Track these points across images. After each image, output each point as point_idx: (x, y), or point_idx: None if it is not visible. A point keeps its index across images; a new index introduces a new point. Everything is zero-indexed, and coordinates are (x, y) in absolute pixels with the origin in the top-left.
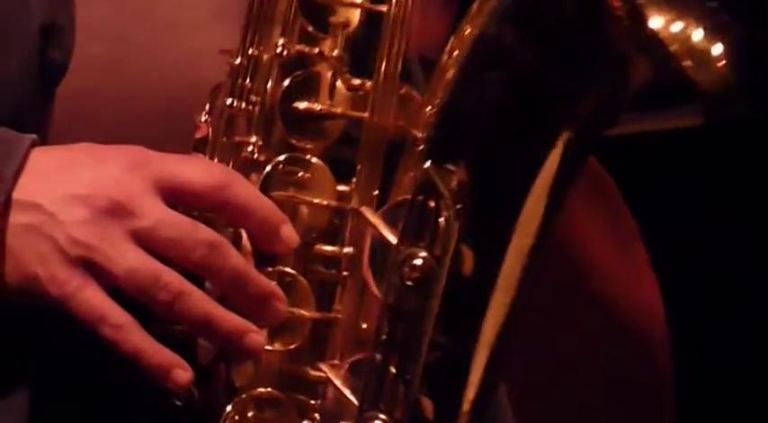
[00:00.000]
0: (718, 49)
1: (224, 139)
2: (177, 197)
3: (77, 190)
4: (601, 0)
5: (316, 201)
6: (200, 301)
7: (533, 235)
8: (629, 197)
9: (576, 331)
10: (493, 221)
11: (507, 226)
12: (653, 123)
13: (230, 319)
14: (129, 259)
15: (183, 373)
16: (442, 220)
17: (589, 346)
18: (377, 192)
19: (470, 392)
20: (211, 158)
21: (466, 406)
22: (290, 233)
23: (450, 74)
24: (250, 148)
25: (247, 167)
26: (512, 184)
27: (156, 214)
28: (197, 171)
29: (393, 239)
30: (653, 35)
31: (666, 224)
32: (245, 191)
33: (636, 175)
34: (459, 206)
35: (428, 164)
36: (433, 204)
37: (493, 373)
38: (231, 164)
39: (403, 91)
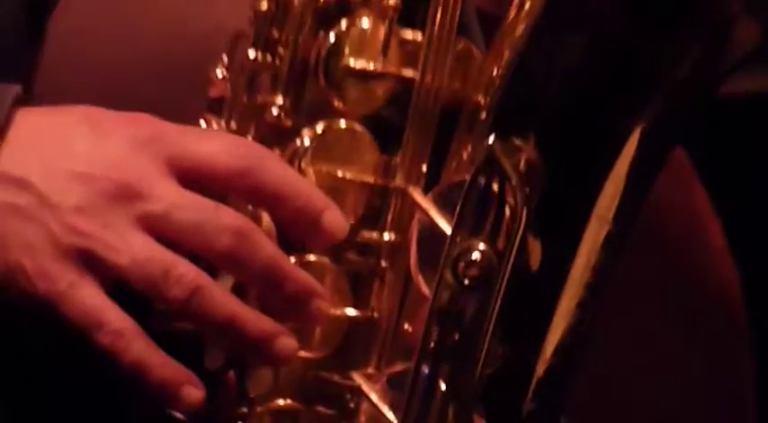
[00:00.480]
0: None
1: (244, 99)
2: (195, 180)
3: (76, 166)
4: None
5: (353, 177)
6: (222, 298)
7: (610, 223)
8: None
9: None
10: (566, 208)
11: (582, 214)
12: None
13: (258, 320)
14: (135, 248)
15: (195, 392)
16: (506, 206)
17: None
18: (425, 168)
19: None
20: (228, 122)
21: None
22: (335, 222)
23: (521, 30)
24: (275, 111)
25: (272, 133)
26: (589, 165)
27: (170, 196)
28: (220, 149)
29: (447, 228)
30: None
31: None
32: (278, 173)
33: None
34: (528, 190)
35: (492, 138)
36: (496, 188)
37: (557, 391)
38: (253, 129)
39: (460, 47)
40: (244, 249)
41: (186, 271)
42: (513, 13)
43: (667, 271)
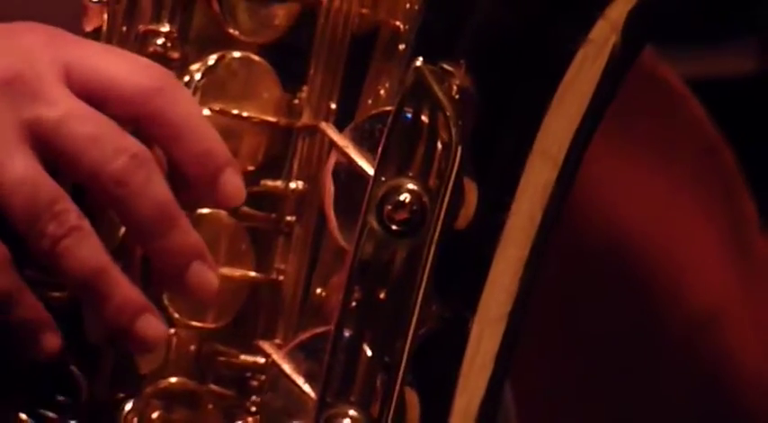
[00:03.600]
0: None
1: (124, 28)
2: (92, 95)
3: None
4: None
5: (251, 116)
6: (95, 249)
7: (558, 162)
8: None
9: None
10: (502, 142)
11: (521, 149)
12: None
13: (128, 289)
14: (18, 167)
15: (53, 339)
16: (438, 139)
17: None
18: (335, 105)
19: (467, 391)
20: None
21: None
22: (233, 184)
23: None
24: (161, 41)
25: None
26: (529, 92)
27: (67, 103)
28: (128, 66)
29: (368, 167)
30: None
31: None
32: (187, 108)
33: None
34: (461, 121)
35: (420, 61)
36: (426, 118)
37: (500, 364)
38: None
39: None
40: (138, 178)
41: (69, 208)
42: None
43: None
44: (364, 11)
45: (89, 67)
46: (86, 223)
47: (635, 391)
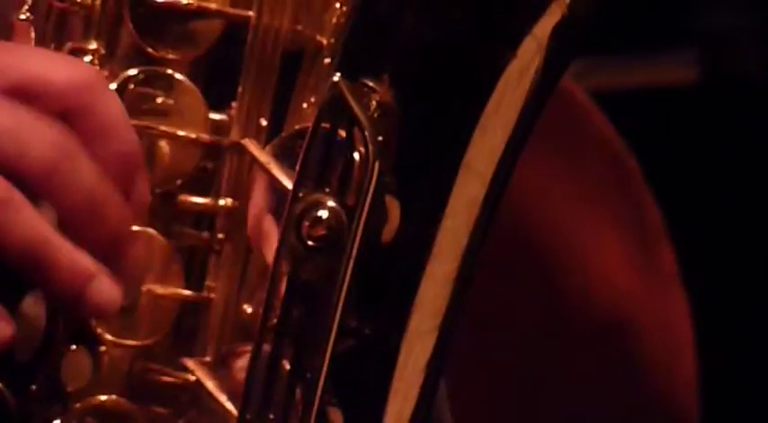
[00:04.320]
0: None
1: (52, 45)
2: (22, 91)
3: None
4: None
5: (181, 133)
6: (33, 219)
7: (486, 179)
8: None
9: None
10: (428, 159)
11: (449, 165)
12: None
13: (72, 253)
14: None
15: (5, 327)
16: (356, 156)
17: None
18: (265, 122)
19: (396, 401)
20: None
21: (390, 420)
22: (142, 190)
23: None
24: (88, 59)
25: None
26: (455, 107)
27: None
28: (56, 61)
29: (288, 183)
30: None
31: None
32: (112, 107)
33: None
34: (380, 138)
35: (337, 77)
36: (344, 134)
37: (431, 375)
38: None
39: None
40: (64, 167)
41: None
42: None
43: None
44: (297, 27)
45: (18, 63)
46: (17, 194)
47: (548, 394)
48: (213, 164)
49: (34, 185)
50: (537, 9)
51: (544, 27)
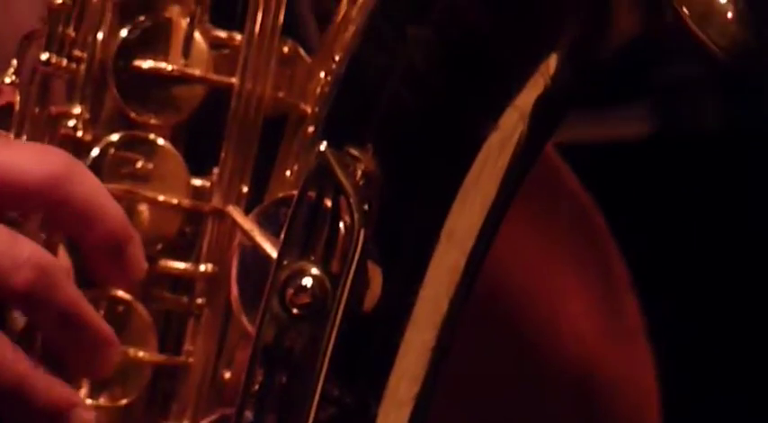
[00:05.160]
0: None
1: (36, 109)
2: None
3: None
4: None
5: (161, 198)
6: (11, 356)
7: (467, 248)
8: (621, 234)
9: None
10: (409, 227)
11: (429, 234)
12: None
13: (52, 387)
14: None
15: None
16: (341, 224)
17: None
18: (246, 188)
19: None
20: (17, 136)
21: None
22: (135, 258)
23: (355, 26)
24: (72, 123)
25: (68, 148)
26: (436, 177)
27: None
28: (23, 157)
29: (272, 251)
30: None
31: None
32: (90, 187)
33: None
34: (365, 206)
35: (324, 146)
36: (329, 203)
37: None
38: (46, 143)
39: (286, 49)
40: (42, 288)
41: None
42: (344, 4)
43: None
44: (280, 94)
45: None
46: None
47: None
48: (194, 229)
49: (13, 305)
50: (519, 80)
51: (526, 98)
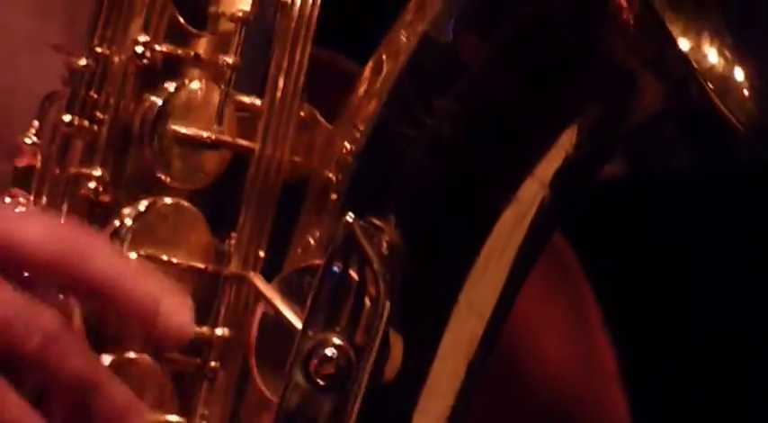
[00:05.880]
0: (740, 74)
1: (57, 170)
2: (4, 265)
3: None
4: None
5: (183, 262)
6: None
7: (485, 317)
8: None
9: None
10: (429, 296)
11: (448, 303)
12: None
13: None
14: None
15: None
16: (366, 296)
17: None
18: (263, 253)
19: None
20: (38, 196)
21: None
22: (177, 317)
23: (378, 95)
24: (92, 184)
25: (87, 210)
26: (458, 246)
27: None
28: (37, 232)
29: (296, 321)
30: (677, 51)
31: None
32: (106, 262)
33: (604, 245)
34: (389, 277)
35: (351, 217)
36: (355, 274)
37: None
38: (66, 205)
39: (303, 114)
40: (53, 355)
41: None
42: (367, 72)
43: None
44: (296, 159)
45: (7, 232)
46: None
47: None
48: (212, 293)
49: (26, 370)
50: (540, 152)
51: (546, 169)
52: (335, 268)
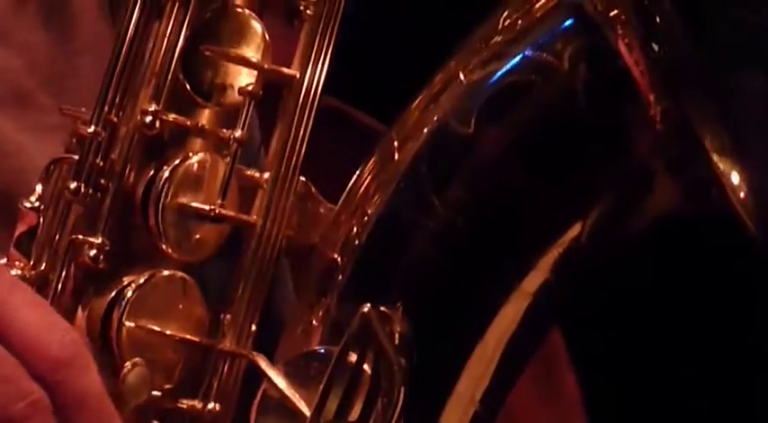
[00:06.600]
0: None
1: (57, 236)
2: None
3: None
4: (631, 92)
5: (178, 335)
6: None
7: (476, 403)
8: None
9: None
10: (425, 385)
11: (444, 392)
12: None
13: None
14: None
15: None
16: (380, 386)
17: None
18: (254, 327)
19: None
20: (37, 261)
21: None
22: None
23: (389, 180)
24: (93, 252)
25: (85, 277)
26: (455, 338)
27: None
28: (42, 330)
29: (302, 406)
30: (703, 152)
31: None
32: (87, 384)
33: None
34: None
35: (367, 307)
36: (369, 364)
37: None
38: (63, 271)
39: (302, 190)
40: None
41: None
42: (371, 166)
43: None
44: (290, 232)
45: (7, 318)
46: None
47: None
48: (205, 367)
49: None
50: (545, 243)
51: (549, 261)
52: (350, 356)
